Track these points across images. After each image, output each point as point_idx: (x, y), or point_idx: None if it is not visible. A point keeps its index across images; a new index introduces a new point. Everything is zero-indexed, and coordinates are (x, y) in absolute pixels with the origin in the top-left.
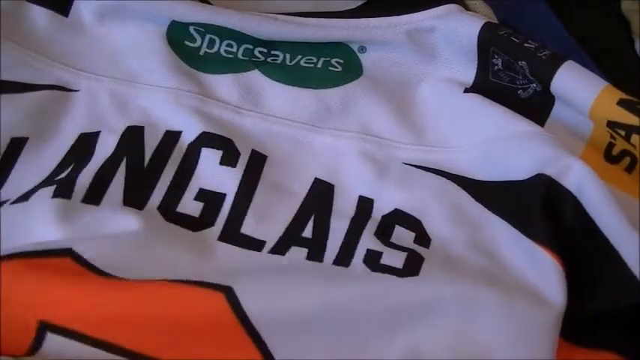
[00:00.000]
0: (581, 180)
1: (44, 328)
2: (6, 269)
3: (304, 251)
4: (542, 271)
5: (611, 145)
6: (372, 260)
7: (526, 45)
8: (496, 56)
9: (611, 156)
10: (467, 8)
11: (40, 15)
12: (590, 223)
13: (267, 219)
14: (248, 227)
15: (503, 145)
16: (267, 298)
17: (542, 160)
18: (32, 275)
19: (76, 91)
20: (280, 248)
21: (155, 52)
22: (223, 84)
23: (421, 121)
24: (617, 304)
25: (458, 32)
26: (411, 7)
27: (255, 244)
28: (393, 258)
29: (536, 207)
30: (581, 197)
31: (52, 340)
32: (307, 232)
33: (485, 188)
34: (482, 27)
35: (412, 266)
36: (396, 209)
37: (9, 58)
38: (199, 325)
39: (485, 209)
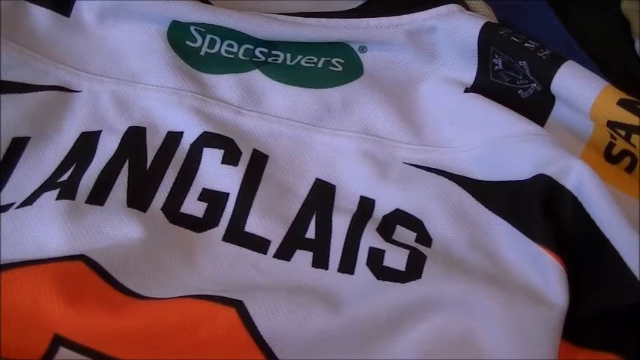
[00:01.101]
0: (581, 180)
1: (57, 341)
2: (23, 276)
3: (309, 255)
4: (543, 272)
5: (611, 145)
6: (375, 261)
7: (526, 45)
8: (496, 56)
9: (611, 156)
10: (467, 8)
11: (42, 16)
12: (590, 224)
13: (271, 217)
14: (252, 225)
15: (503, 145)
16: (277, 317)
17: (543, 161)
18: (48, 282)
19: (77, 91)
20: (285, 252)
21: (156, 52)
22: (224, 84)
23: (421, 121)
24: (618, 303)
25: (458, 32)
26: (411, 7)
27: (260, 244)
28: (396, 257)
29: (536, 207)
30: (581, 197)
31: (63, 354)
32: (310, 233)
33: (486, 188)
34: (482, 27)
35: (415, 267)
36: (397, 209)
37: (10, 58)
38: (211, 341)
39: (486, 209)
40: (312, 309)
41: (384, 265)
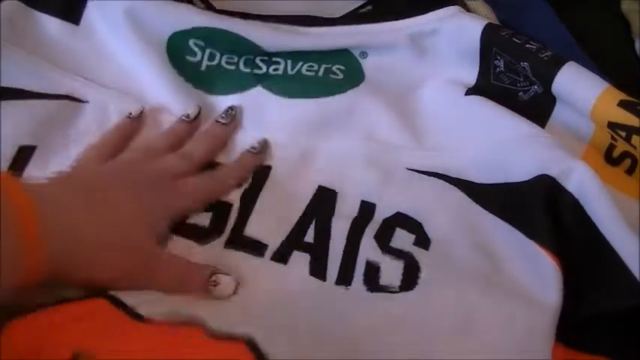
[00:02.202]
0: (583, 182)
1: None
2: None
3: (306, 259)
4: (540, 272)
5: (611, 147)
6: (371, 276)
7: (528, 46)
8: (498, 57)
9: (611, 158)
10: (467, 8)
11: (51, 24)
12: (591, 226)
13: (270, 222)
14: (251, 229)
15: (505, 147)
16: (287, 348)
17: (544, 162)
18: (74, 325)
19: (85, 102)
20: (282, 255)
21: (159, 70)
22: (228, 105)
23: (423, 126)
24: (618, 305)
25: (460, 34)
26: (412, 10)
27: (258, 247)
28: (391, 272)
29: (537, 208)
30: (582, 199)
31: None
32: (309, 237)
33: (487, 191)
34: (484, 28)
35: (409, 279)
36: (397, 212)
37: (20, 66)
38: None
39: (486, 212)
40: (317, 340)
41: (380, 283)
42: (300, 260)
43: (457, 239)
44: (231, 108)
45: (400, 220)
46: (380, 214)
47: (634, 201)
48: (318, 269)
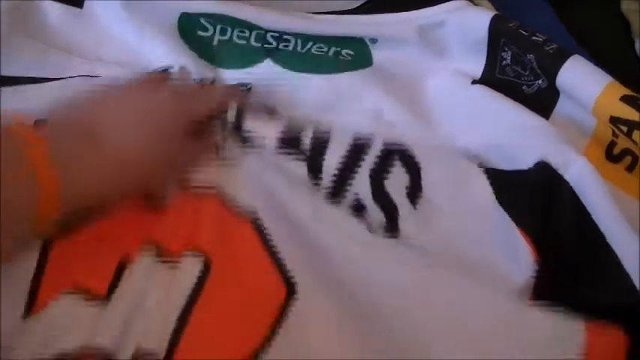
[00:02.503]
0: (582, 177)
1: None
2: None
3: (304, 164)
4: (514, 254)
5: (612, 144)
6: (358, 211)
7: (534, 38)
8: (506, 49)
9: (612, 155)
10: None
11: (54, 9)
12: (589, 222)
13: (266, 123)
14: (248, 125)
15: (509, 139)
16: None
17: (546, 155)
18: None
19: (97, 77)
20: (284, 147)
21: (170, 45)
22: (237, 79)
23: (429, 117)
24: (614, 303)
25: (468, 25)
26: (421, 2)
27: (256, 141)
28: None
29: (533, 196)
30: (581, 194)
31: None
32: (305, 145)
33: (491, 172)
34: (492, 18)
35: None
36: (403, 146)
37: (26, 54)
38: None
39: (485, 189)
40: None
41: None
42: (297, 164)
43: (444, 203)
44: (244, 84)
45: (403, 153)
46: (381, 144)
47: (633, 199)
48: (313, 170)
